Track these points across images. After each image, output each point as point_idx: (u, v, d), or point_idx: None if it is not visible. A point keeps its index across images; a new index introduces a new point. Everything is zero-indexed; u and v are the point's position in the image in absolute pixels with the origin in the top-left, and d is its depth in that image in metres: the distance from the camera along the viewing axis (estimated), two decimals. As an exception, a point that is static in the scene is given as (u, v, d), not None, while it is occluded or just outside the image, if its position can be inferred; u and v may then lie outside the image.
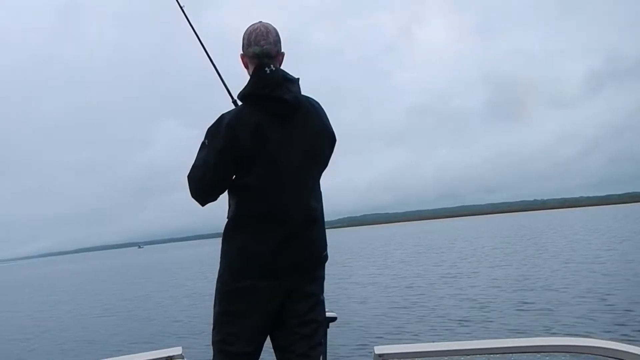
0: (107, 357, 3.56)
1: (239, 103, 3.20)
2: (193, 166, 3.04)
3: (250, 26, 3.11)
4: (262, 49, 3.05)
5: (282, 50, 3.13)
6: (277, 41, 3.11)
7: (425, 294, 21.33)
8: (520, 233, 63.47)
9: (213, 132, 2.99)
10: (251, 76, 3.02)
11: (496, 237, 58.01)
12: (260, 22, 3.13)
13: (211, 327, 3.11)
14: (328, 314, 3.25)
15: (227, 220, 3.09)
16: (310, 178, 3.13)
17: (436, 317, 16.27)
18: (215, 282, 3.09)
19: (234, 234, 3.02)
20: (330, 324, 3.29)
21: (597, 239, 44.27)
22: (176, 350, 3.16)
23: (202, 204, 3.14)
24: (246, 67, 3.15)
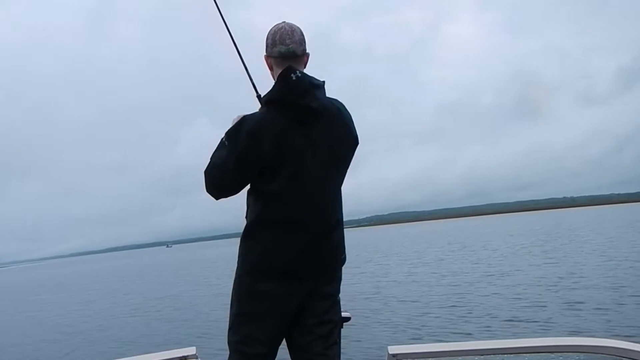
0: (122, 357, 3.56)
1: (262, 99, 3.16)
2: (211, 164, 3.01)
3: (275, 26, 3.06)
4: (287, 48, 2.99)
5: (308, 51, 3.08)
6: (303, 41, 3.05)
7: (446, 293, 21.13)
8: (553, 230, 62.15)
9: (233, 135, 2.95)
10: (276, 81, 2.96)
11: (530, 235, 56.70)
12: (284, 21, 3.07)
13: (227, 327, 3.11)
14: (343, 314, 3.24)
15: (246, 222, 3.08)
16: (334, 184, 3.11)
17: (453, 317, 16.15)
18: (232, 282, 3.09)
19: (254, 237, 3.00)
20: (345, 324, 3.27)
21: (634, 236, 43.06)
22: (190, 350, 3.16)
23: (216, 199, 3.13)
24: (270, 68, 3.10)
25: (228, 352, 3.06)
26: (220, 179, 2.99)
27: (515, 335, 12.36)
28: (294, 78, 2.91)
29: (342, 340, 3.20)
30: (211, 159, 3.04)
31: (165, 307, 25.83)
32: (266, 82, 3.00)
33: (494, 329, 13.75)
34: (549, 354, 2.24)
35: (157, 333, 18.61)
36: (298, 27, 3.07)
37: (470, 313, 16.44)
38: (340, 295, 3.18)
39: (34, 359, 17.11)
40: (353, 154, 3.18)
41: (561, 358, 2.23)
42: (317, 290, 3.03)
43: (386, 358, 2.78)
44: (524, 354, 2.26)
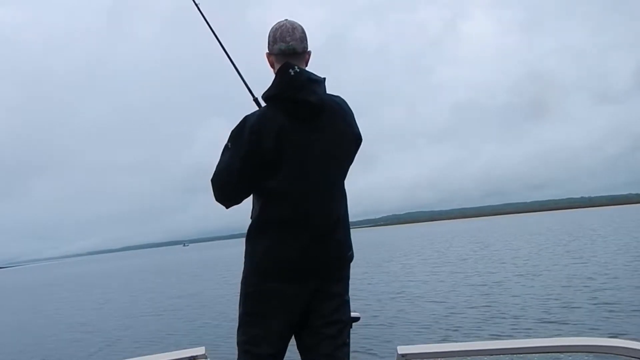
0: (131, 357, 3.56)
1: (262, 102, 3.16)
2: (217, 170, 3.02)
3: (276, 23, 3.06)
4: (288, 45, 3.00)
5: (309, 49, 3.08)
6: (304, 38, 3.05)
7: (472, 293, 20.99)
8: (574, 230, 61.29)
9: (236, 136, 2.96)
10: (275, 77, 2.97)
11: (551, 235, 55.96)
12: (286, 19, 3.08)
13: (236, 327, 3.10)
14: (352, 314, 3.24)
15: (251, 221, 3.07)
16: (335, 181, 3.10)
17: (461, 317, 16.10)
18: (239, 283, 3.08)
19: (259, 236, 3.00)
20: (354, 324, 3.26)
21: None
22: (199, 350, 3.16)
23: (227, 207, 3.14)
24: (272, 65, 3.10)
25: (237, 353, 3.06)
26: (227, 184, 3.00)
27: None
28: (292, 73, 2.93)
29: (351, 340, 3.19)
30: (217, 166, 3.05)
31: (178, 306, 25.92)
32: (269, 82, 2.98)
33: (521, 329, 13.62)
34: (558, 354, 2.21)
35: (168, 333, 18.69)
36: (300, 25, 3.07)
37: (502, 313, 16.28)
38: (349, 294, 3.15)
39: (56, 358, 17.21)
40: (356, 151, 3.17)
41: (570, 358, 2.21)
42: (323, 290, 3.02)
43: (395, 358, 2.77)
44: (534, 354, 2.24)
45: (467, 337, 13.12)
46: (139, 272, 70.65)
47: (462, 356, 2.20)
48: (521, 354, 2.26)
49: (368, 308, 18.21)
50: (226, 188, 3.01)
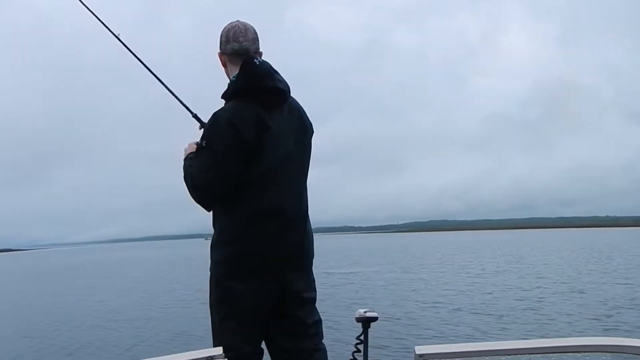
0: (149, 357, 3.61)
1: (202, 118, 3.31)
2: (196, 170, 3.03)
3: (228, 24, 3.17)
4: (240, 45, 3.10)
5: (261, 50, 3.19)
6: (256, 39, 3.17)
7: (475, 296, 21.26)
8: (604, 248, 59.77)
9: (212, 133, 3.01)
10: (240, 71, 3.03)
11: (583, 251, 54.90)
12: (239, 20, 3.18)
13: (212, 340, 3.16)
14: (369, 314, 3.29)
15: (219, 218, 3.12)
16: (304, 169, 3.20)
17: (480, 319, 16.26)
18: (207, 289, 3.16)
19: (232, 231, 3.05)
20: (372, 324, 3.29)
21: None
22: (217, 350, 3.18)
23: (209, 209, 3.15)
24: (224, 65, 3.20)
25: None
26: (210, 184, 3.00)
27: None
28: (257, 63, 3.02)
29: (368, 340, 3.24)
30: (189, 167, 3.07)
31: (196, 304, 25.93)
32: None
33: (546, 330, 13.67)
34: (575, 353, 2.20)
35: (185, 331, 18.70)
36: (252, 26, 3.16)
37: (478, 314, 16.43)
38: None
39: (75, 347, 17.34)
40: (311, 142, 3.26)
41: (588, 358, 2.20)
42: (295, 295, 3.10)
43: (413, 358, 2.77)
44: (551, 354, 2.24)
45: (485, 338, 13.09)
46: (158, 263, 70.96)
47: (480, 356, 2.21)
48: (539, 353, 2.26)
49: (387, 308, 18.24)
50: (210, 187, 3.01)
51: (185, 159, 3.15)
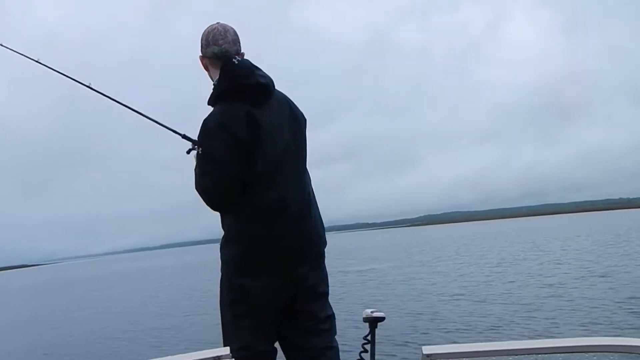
0: (155, 357, 3.58)
1: (191, 136, 3.30)
2: (202, 180, 3.04)
3: (208, 27, 3.16)
4: (220, 48, 3.10)
5: (242, 51, 3.18)
6: (236, 41, 3.16)
7: (483, 295, 20.81)
8: (623, 231, 59.22)
9: (206, 138, 3.02)
10: (221, 73, 3.05)
11: (601, 236, 54.27)
12: (218, 22, 3.18)
13: (222, 337, 3.15)
14: (376, 314, 3.28)
15: (225, 218, 3.11)
16: (302, 159, 3.20)
17: (488, 318, 15.96)
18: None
19: (239, 229, 3.04)
20: (379, 324, 3.27)
21: None
22: (224, 350, 3.14)
23: (224, 212, 3.14)
24: (206, 68, 3.22)
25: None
26: (215, 188, 3.01)
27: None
28: (236, 62, 3.04)
29: (375, 340, 3.20)
30: (198, 177, 3.08)
31: (207, 305, 25.99)
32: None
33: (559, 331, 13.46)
34: (583, 353, 2.16)
35: (195, 331, 18.78)
36: (232, 28, 3.14)
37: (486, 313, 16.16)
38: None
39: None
40: (306, 129, 3.27)
41: (595, 358, 2.16)
42: (308, 290, 3.09)
43: (420, 358, 2.74)
44: (559, 354, 2.20)
45: (493, 337, 13.02)
46: (175, 270, 71.36)
47: (487, 356, 2.17)
48: (546, 353, 2.23)
49: (394, 307, 18.20)
50: (218, 192, 3.02)
51: (194, 169, 3.17)
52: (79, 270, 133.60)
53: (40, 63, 3.90)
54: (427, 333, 14.41)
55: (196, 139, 3.15)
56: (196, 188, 3.08)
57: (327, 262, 3.26)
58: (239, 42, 3.18)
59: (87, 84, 3.81)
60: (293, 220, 3.03)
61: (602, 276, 22.55)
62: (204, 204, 3.08)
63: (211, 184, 3.00)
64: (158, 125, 3.59)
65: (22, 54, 3.93)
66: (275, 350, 3.18)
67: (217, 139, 2.95)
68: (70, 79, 3.83)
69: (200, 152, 3.03)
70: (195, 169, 3.12)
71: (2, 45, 4.01)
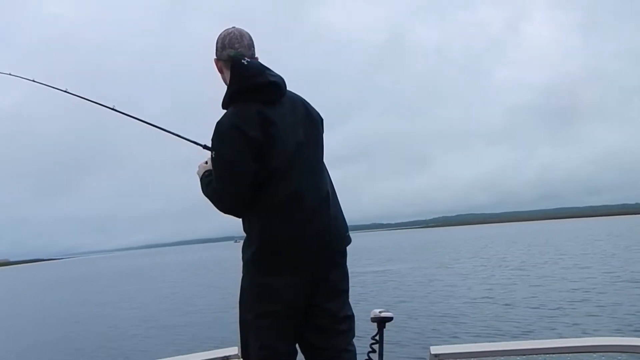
0: (164, 358, 3.59)
1: (209, 145, 3.19)
2: (217, 185, 3.01)
3: (224, 31, 3.17)
4: (236, 52, 3.09)
5: (256, 55, 3.17)
6: (251, 45, 3.15)
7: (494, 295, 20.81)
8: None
9: (220, 141, 2.99)
10: (231, 75, 3.04)
11: (621, 240, 53.85)
12: (234, 27, 3.18)
13: (240, 339, 3.09)
14: (384, 314, 3.27)
15: (245, 220, 3.08)
16: (318, 157, 3.17)
17: (497, 318, 15.91)
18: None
19: (258, 226, 3.00)
20: (387, 324, 3.25)
21: None
22: (232, 350, 3.15)
23: (240, 215, 3.11)
24: (221, 71, 3.20)
25: None
26: (229, 189, 2.98)
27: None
28: (245, 63, 3.03)
29: (384, 340, 3.18)
30: (209, 184, 3.08)
31: (217, 304, 25.99)
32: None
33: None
34: (591, 353, 2.14)
35: (203, 330, 18.79)
36: (247, 32, 3.17)
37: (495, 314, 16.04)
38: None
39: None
40: (323, 129, 3.25)
41: (604, 358, 2.14)
42: (328, 287, 3.04)
43: (428, 358, 2.73)
44: (567, 354, 2.18)
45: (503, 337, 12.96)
46: (188, 267, 71.58)
47: (495, 356, 2.16)
48: (555, 353, 2.21)
49: (402, 308, 18.08)
50: (232, 194, 2.98)
51: (201, 180, 3.17)
52: (95, 265, 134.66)
53: (68, 92, 3.93)
54: (436, 333, 14.33)
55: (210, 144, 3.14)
56: (207, 195, 3.08)
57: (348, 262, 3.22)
58: (254, 47, 3.16)
59: (112, 107, 3.83)
60: (309, 214, 2.99)
61: (630, 281, 22.36)
62: (216, 208, 3.06)
63: (223, 187, 2.98)
64: (180, 138, 3.58)
65: (51, 86, 3.96)
66: (296, 351, 3.11)
67: (230, 140, 2.92)
68: (96, 104, 3.87)
69: (213, 156, 3.00)
70: (204, 178, 3.14)
71: (34, 80, 4.07)
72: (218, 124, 2.99)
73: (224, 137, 2.94)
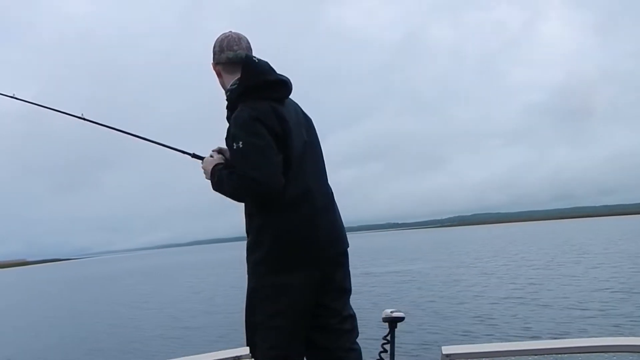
0: (175, 358, 3.61)
1: (200, 154, 3.28)
2: (254, 172, 2.86)
3: (221, 35, 3.19)
4: (235, 54, 3.10)
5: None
6: (249, 48, 3.17)
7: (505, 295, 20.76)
8: None
9: (247, 131, 2.91)
10: (243, 70, 3.03)
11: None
12: (231, 31, 3.20)
13: (250, 336, 3.07)
14: (396, 314, 3.29)
15: (255, 219, 3.04)
16: (320, 157, 3.21)
17: (509, 318, 15.86)
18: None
19: (271, 223, 2.97)
20: (398, 324, 3.26)
21: None
22: (244, 350, 3.15)
23: (278, 197, 2.95)
24: (219, 75, 3.20)
25: None
26: (276, 168, 2.90)
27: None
28: (257, 60, 3.04)
29: (395, 340, 3.18)
30: (229, 175, 2.98)
31: (230, 304, 26.00)
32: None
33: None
34: (602, 353, 2.13)
35: (216, 330, 18.83)
36: (245, 36, 3.19)
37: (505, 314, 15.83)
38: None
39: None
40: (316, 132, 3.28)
41: (615, 358, 2.12)
42: (334, 287, 3.05)
43: (440, 358, 2.72)
44: (578, 354, 2.16)
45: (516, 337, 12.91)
46: (204, 267, 71.82)
47: (507, 356, 2.15)
48: (566, 353, 2.19)
49: (413, 308, 17.96)
50: (271, 177, 2.87)
51: (212, 174, 3.08)
52: (111, 265, 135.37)
53: (85, 119, 3.78)
54: (446, 333, 14.27)
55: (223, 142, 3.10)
56: (227, 185, 2.97)
57: (357, 261, 3.22)
58: (252, 51, 3.18)
59: (132, 133, 3.67)
60: (319, 211, 3.02)
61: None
62: (244, 196, 2.97)
63: (264, 169, 2.85)
64: (167, 148, 3.45)
65: (67, 113, 3.85)
66: (304, 351, 3.14)
67: (256, 130, 2.88)
68: (114, 130, 3.71)
69: (241, 146, 2.89)
70: (217, 172, 3.06)
71: (49, 107, 3.91)
72: (237, 117, 2.96)
73: (250, 127, 2.91)
